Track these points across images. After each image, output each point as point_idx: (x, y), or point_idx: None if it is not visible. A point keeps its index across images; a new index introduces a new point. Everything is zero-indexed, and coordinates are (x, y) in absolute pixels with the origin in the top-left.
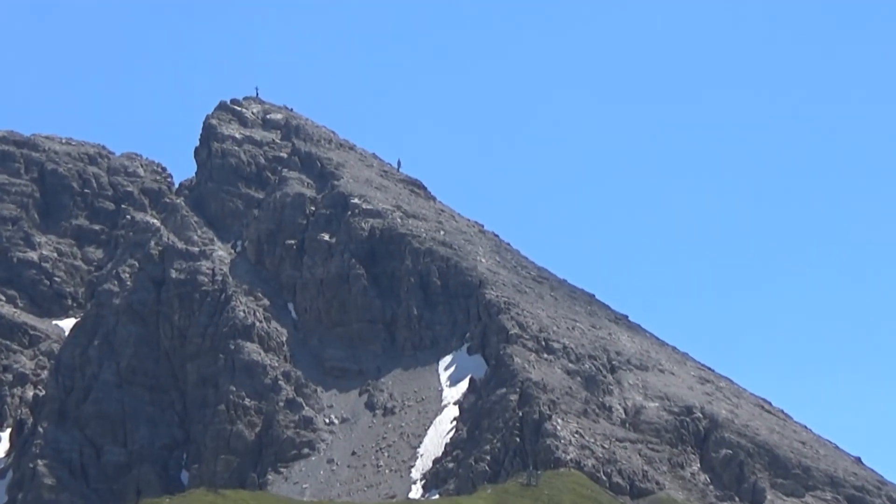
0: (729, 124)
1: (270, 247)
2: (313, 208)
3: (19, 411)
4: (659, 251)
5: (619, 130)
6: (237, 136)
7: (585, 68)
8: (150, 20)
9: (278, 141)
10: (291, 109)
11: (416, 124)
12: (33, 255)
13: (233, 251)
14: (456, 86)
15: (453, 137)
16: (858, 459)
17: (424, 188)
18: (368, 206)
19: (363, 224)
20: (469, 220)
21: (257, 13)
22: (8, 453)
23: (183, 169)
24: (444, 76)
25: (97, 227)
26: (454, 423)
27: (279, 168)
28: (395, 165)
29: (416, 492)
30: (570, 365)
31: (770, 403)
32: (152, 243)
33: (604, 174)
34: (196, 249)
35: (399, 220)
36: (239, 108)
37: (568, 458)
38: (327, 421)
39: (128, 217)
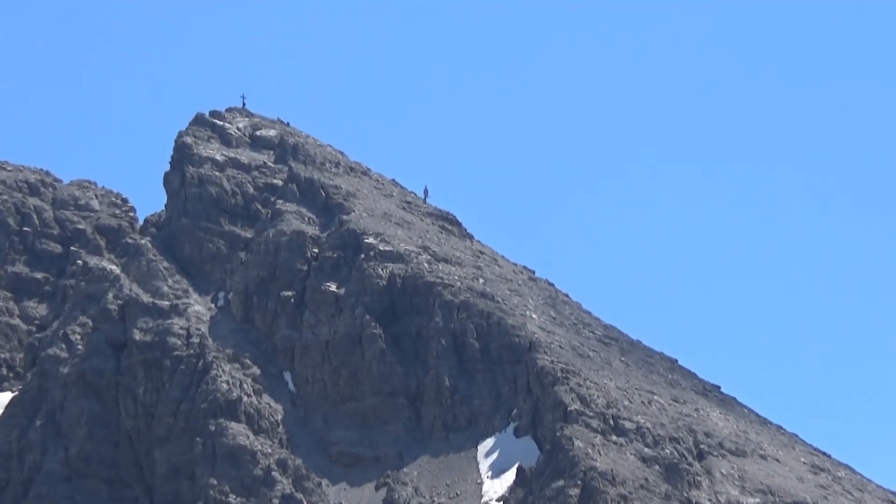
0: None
1: (261, 300)
2: (316, 250)
3: None
4: (758, 307)
5: (714, 151)
6: (218, 157)
7: (667, 75)
8: (107, 12)
9: (271, 164)
10: (288, 123)
11: (446, 142)
12: None
13: (213, 306)
14: (497, 94)
15: (494, 160)
16: None
17: (458, 224)
18: (387, 248)
19: (380, 270)
20: (516, 264)
21: (243, 5)
22: None
23: (149, 200)
24: (481, 82)
25: (39, 276)
26: None
27: (272, 199)
28: (422, 195)
29: None
30: (647, 450)
31: None
32: (110, 296)
33: (684, 207)
34: (166, 304)
35: (426, 264)
36: (221, 123)
37: None
38: None
39: (79, 262)
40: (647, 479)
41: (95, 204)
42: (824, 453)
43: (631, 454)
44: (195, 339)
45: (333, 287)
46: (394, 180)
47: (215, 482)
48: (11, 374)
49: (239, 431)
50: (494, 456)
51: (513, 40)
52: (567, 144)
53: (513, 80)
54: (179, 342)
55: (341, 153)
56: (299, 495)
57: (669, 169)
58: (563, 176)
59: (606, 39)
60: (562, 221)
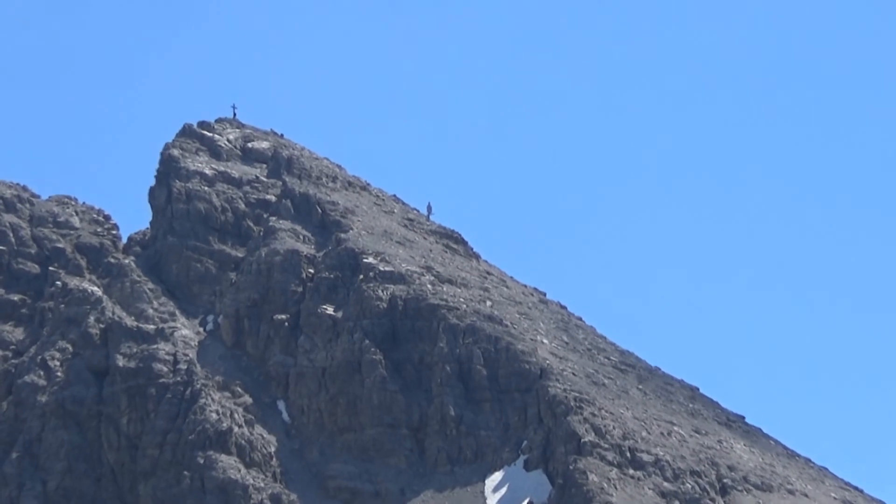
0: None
1: (253, 324)
2: (312, 271)
3: None
4: (784, 333)
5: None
6: (207, 171)
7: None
8: (89, 15)
9: (264, 178)
10: (282, 135)
11: (451, 156)
12: None
13: (202, 330)
14: (505, 104)
15: (501, 175)
16: None
17: (464, 242)
18: (387, 268)
19: (380, 292)
20: (525, 286)
21: (234, 6)
22: None
23: (133, 217)
24: (488, 92)
25: (15, 298)
26: None
27: (265, 215)
28: (425, 212)
29: None
30: (666, 484)
31: None
32: (91, 319)
33: (706, 226)
34: (151, 328)
35: (429, 286)
36: (210, 134)
37: None
38: None
39: (58, 283)
40: None
41: (76, 221)
42: (856, 488)
43: (649, 489)
44: (182, 366)
45: (330, 310)
46: (395, 196)
47: None
48: None
49: (229, 464)
50: (503, 491)
51: (519, 47)
52: (581, 160)
53: (522, 90)
54: (165, 369)
55: (339, 167)
56: None
57: (691, 186)
58: (577, 192)
59: (615, 52)
60: (574, 240)
